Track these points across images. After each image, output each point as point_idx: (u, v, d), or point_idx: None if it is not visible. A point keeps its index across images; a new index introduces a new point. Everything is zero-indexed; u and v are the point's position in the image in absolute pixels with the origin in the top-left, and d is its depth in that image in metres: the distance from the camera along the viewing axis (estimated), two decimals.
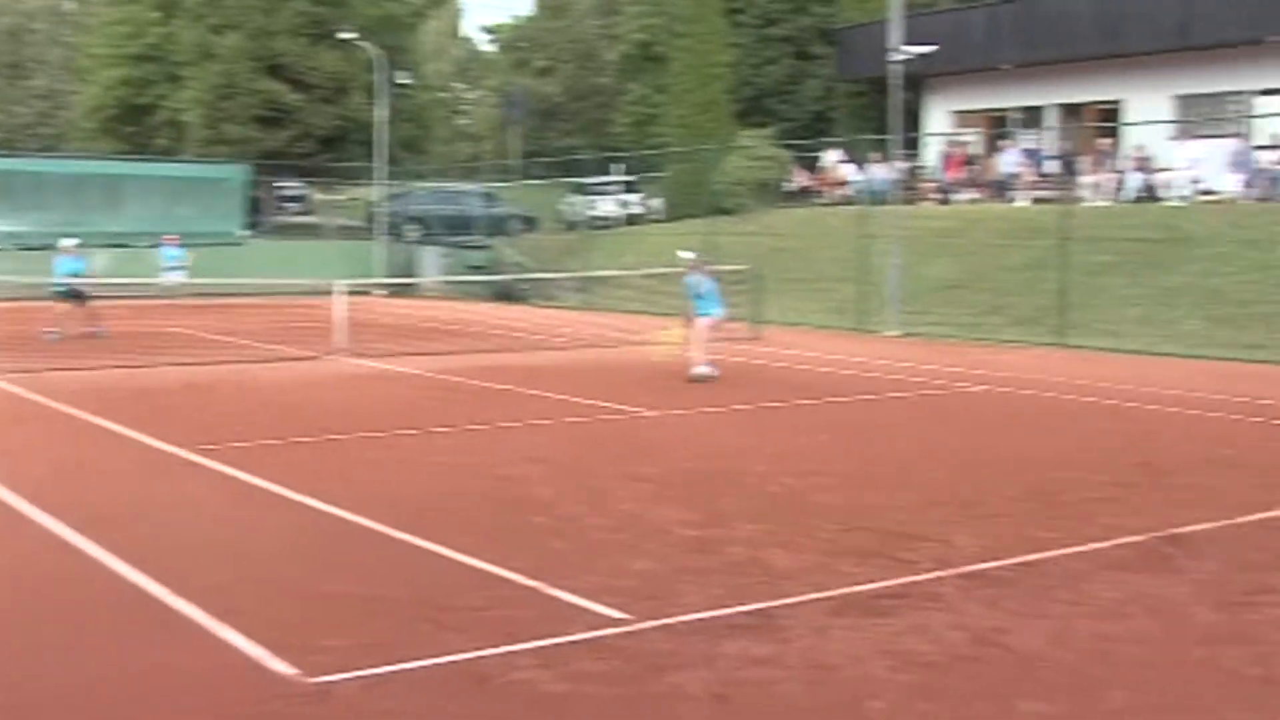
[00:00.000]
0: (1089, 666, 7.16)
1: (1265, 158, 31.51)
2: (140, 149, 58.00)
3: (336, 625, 7.73)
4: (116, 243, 42.90)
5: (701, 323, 20.76)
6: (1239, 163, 31.51)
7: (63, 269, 27.27)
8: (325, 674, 6.84)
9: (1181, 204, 32.13)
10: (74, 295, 27.17)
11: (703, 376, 20.21)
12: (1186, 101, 37.20)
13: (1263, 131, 33.25)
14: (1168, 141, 34.51)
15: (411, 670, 6.95)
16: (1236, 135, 33.13)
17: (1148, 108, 36.00)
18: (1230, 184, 31.48)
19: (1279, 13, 33.87)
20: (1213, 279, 27.00)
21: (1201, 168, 32.51)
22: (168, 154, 55.64)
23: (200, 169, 49.86)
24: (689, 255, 21.75)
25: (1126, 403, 17.97)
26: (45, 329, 26.66)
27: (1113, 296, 27.84)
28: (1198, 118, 36.89)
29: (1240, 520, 10.64)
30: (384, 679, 6.84)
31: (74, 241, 28.00)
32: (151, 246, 41.02)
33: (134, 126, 59.50)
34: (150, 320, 31.93)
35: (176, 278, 37.28)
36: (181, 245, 38.79)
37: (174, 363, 22.36)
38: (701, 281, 20.99)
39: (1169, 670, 7.14)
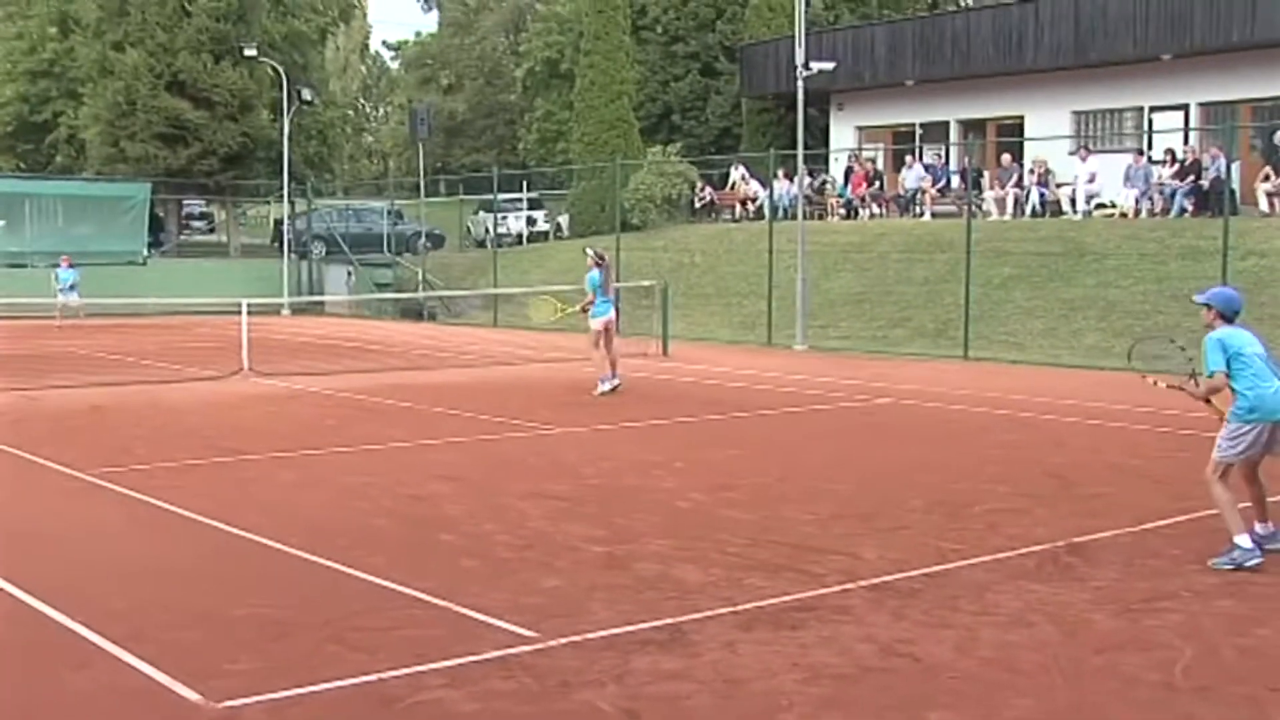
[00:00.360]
0: (993, 674, 7.23)
1: (1160, 172, 31.98)
2: (39, 167, 57.35)
3: (243, 649, 7.66)
4: (15, 262, 42.54)
5: (594, 324, 20.79)
6: (1135, 177, 31.95)
7: None
8: (231, 698, 6.78)
9: (1080, 217, 32.53)
10: None
11: (607, 392, 20.29)
12: (1085, 117, 37.68)
13: (1158, 147, 33.75)
14: (1067, 156, 34.91)
15: (319, 692, 6.91)
16: (1133, 150, 33.57)
17: (1047, 123, 36.41)
18: (1126, 198, 31.91)
19: (1174, 31, 34.39)
20: (1111, 290, 27.34)
21: (1099, 182, 32.94)
22: (67, 172, 55.03)
23: (101, 187, 49.32)
24: (591, 252, 21.72)
25: (1031, 414, 18.15)
26: None
27: (1015, 309, 28.14)
28: (1095, 133, 37.37)
29: (1142, 528, 10.77)
30: (291, 702, 6.79)
31: None
32: (50, 266, 40.65)
33: (31, 144, 58.83)
34: (50, 341, 31.53)
35: (73, 298, 36.89)
36: (73, 265, 38.43)
37: (75, 385, 22.09)
38: (598, 277, 20.88)
39: (1070, 677, 7.21)
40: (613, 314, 21.17)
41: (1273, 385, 9.62)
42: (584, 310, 21.26)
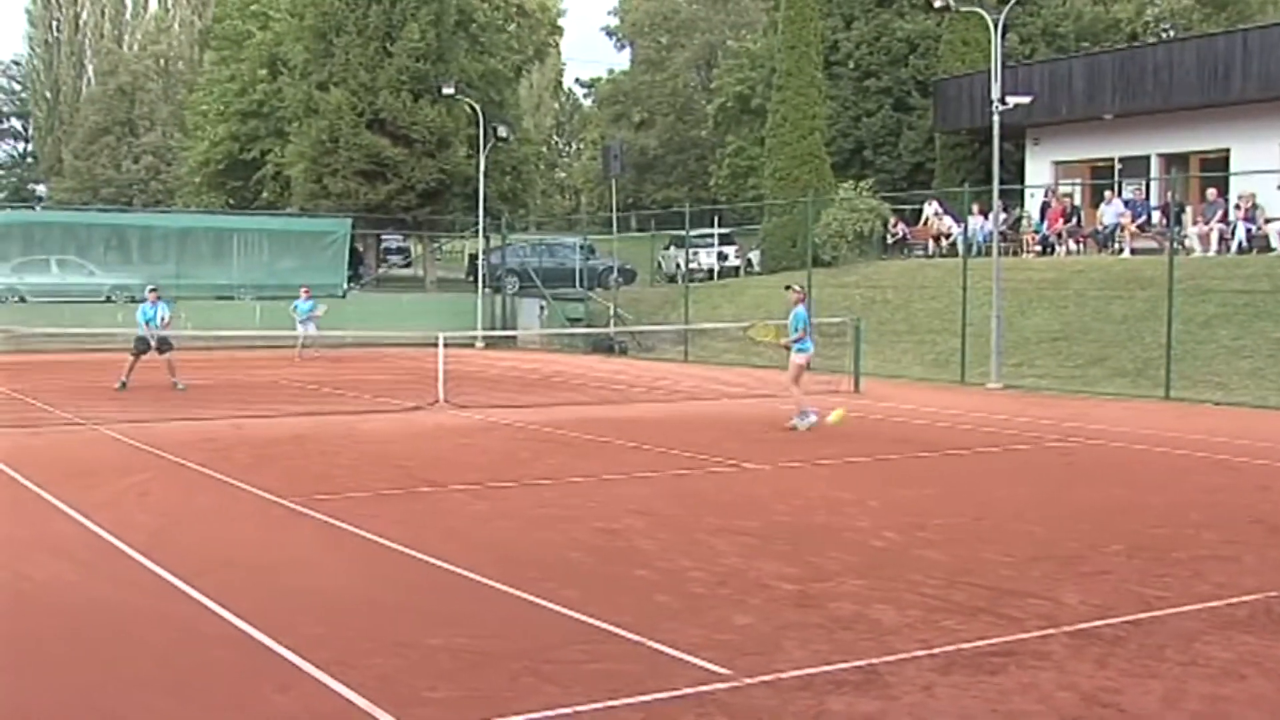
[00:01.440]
0: None
1: None
2: (246, 203, 58.88)
3: (440, 677, 7.74)
4: (223, 294, 43.73)
5: (797, 359, 20.96)
6: None
7: (143, 317, 27.21)
8: None
9: None
10: (154, 345, 27.01)
11: (798, 427, 20.29)
12: None
13: None
14: (1276, 190, 34.04)
15: None
16: None
17: (1255, 156, 35.53)
18: None
19: None
20: None
21: None
22: (273, 208, 56.41)
23: (304, 222, 50.48)
24: (796, 288, 21.83)
25: (1236, 457, 17.68)
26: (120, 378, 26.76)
27: (1220, 348, 27.49)
28: None
29: None
30: None
31: (152, 288, 28.09)
32: (258, 299, 41.76)
33: (240, 181, 60.46)
34: (252, 371, 32.25)
35: (310, 329, 37.65)
36: (313, 297, 39.25)
37: (280, 414, 22.58)
38: (804, 315, 21.12)
39: None
40: (812, 350, 21.37)
41: None
42: (786, 347, 21.39)
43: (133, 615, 9.28)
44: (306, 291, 39.71)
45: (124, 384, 26.37)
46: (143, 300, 27.88)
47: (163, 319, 27.23)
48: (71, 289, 44.26)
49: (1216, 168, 37.10)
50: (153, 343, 26.90)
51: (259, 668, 8.00)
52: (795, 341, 21.07)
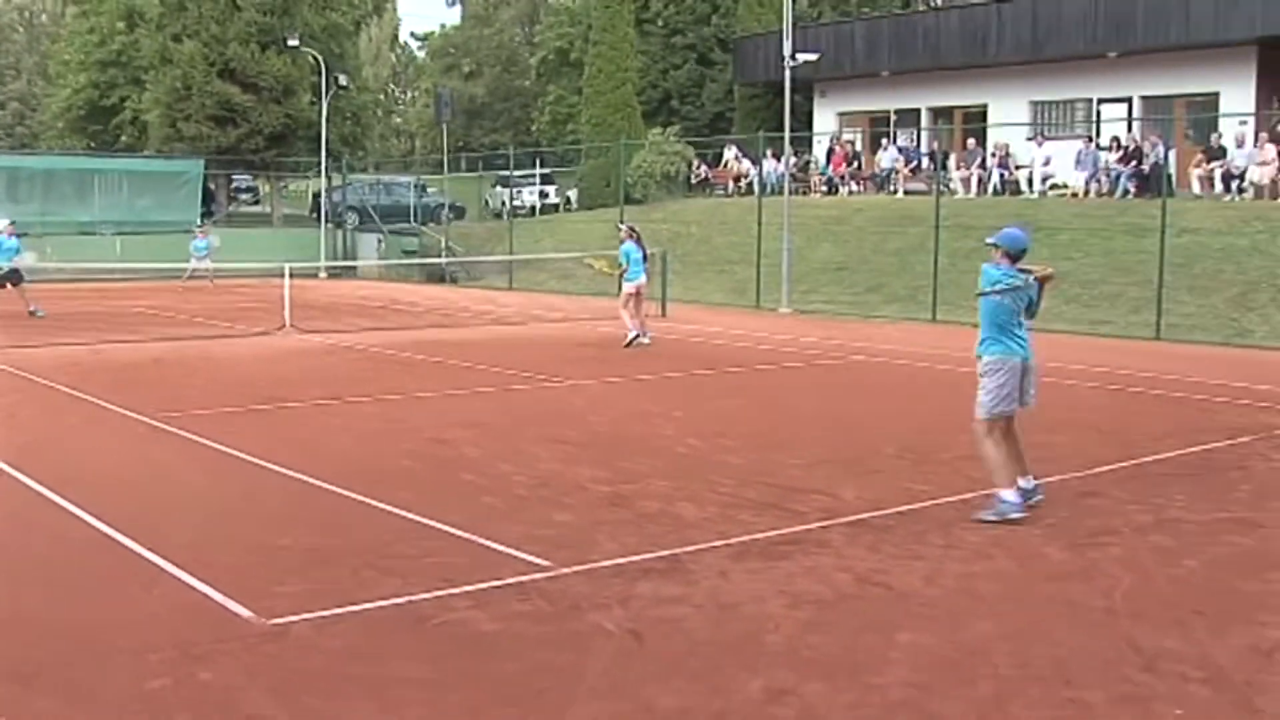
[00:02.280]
0: (957, 601, 7.29)
1: (1106, 157, 32.05)
2: (106, 146, 57.30)
3: (289, 573, 7.72)
4: (85, 230, 42.59)
5: (627, 287, 21.37)
6: (1085, 161, 31.99)
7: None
8: (280, 616, 6.85)
9: (1036, 196, 32.53)
10: (10, 276, 26.29)
11: (636, 342, 20.71)
12: (1041, 107, 37.60)
13: (1105, 134, 33.76)
14: (1025, 141, 34.86)
15: (358, 612, 6.97)
16: (1083, 137, 33.55)
17: (1008, 112, 36.37)
18: (1077, 180, 31.97)
19: (1119, 32, 34.42)
20: (1063, 263, 27.10)
21: (1053, 165, 32.98)
22: (131, 150, 54.96)
23: (160, 164, 49.23)
24: (624, 226, 22.28)
25: None
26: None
27: (978, 277, 28.04)
28: (1050, 121, 37.31)
29: (1088, 473, 10.83)
30: (334, 620, 6.85)
31: (5, 222, 27.23)
32: (118, 234, 40.83)
33: (100, 125, 58.80)
34: (114, 301, 31.52)
35: (206, 264, 36.95)
36: (208, 235, 38.66)
37: (139, 340, 22.12)
38: (633, 249, 21.55)
39: (1025, 603, 7.27)
40: (644, 279, 21.66)
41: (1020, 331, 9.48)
42: (620, 275, 22.04)
43: (4, 522, 9.10)
44: (203, 232, 39.32)
45: (33, 311, 25.77)
46: None
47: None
48: None
49: (976, 120, 37.83)
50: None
51: (124, 568, 7.90)
52: (624, 272, 21.61)
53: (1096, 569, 7.98)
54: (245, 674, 6.10)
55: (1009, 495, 9.13)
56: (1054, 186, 32.76)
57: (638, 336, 20.95)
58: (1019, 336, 9.49)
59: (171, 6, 48.81)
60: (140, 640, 6.55)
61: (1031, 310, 9.48)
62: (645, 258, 21.74)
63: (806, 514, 9.28)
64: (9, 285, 26.19)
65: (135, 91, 54.62)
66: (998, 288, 9.35)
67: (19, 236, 26.89)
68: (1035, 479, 9.45)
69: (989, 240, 9.59)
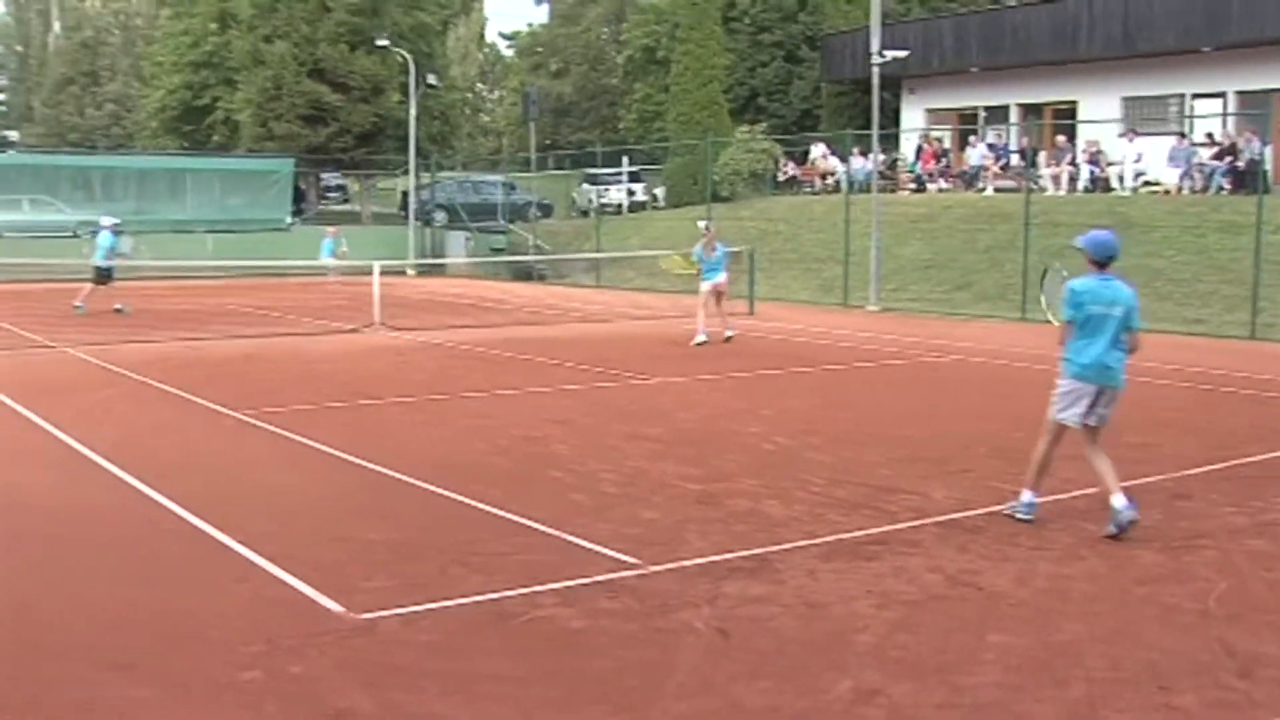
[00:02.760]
0: (1048, 602, 7.19)
1: (1200, 154, 31.57)
2: (199, 145, 58.08)
3: (378, 568, 7.76)
4: (178, 229, 43.23)
5: (704, 287, 21.43)
6: (1178, 157, 31.53)
7: (103, 245, 26.83)
8: (369, 611, 6.89)
9: (1128, 193, 32.10)
10: (105, 274, 26.74)
11: (703, 342, 20.75)
12: (1133, 102, 37.08)
13: (1198, 130, 33.25)
14: (1116, 138, 34.40)
15: (446, 608, 6.99)
16: (1176, 134, 33.07)
17: (1099, 107, 35.90)
18: (1170, 176, 31.51)
19: (1213, 25, 33.88)
20: (1155, 260, 26.92)
21: (1145, 162, 32.52)
22: (223, 149, 55.68)
23: (252, 163, 49.88)
24: (703, 224, 22.28)
25: None
26: (75, 302, 26.53)
27: (1070, 275, 27.74)
28: (1142, 117, 36.80)
29: (1181, 475, 10.66)
30: (421, 615, 6.87)
31: (111, 220, 27.75)
32: (210, 232, 41.45)
33: (193, 125, 59.58)
34: (206, 298, 31.91)
35: (333, 262, 37.42)
36: (336, 237, 39.12)
37: (231, 335, 22.38)
38: (698, 250, 21.69)
39: (1116, 605, 7.17)
40: (722, 277, 21.62)
41: (1101, 348, 8.77)
42: (696, 274, 21.98)
43: (101, 515, 9.24)
44: (335, 231, 39.88)
45: (118, 309, 26.24)
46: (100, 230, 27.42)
47: (115, 249, 26.93)
48: (42, 225, 43.59)
49: (1066, 117, 37.40)
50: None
51: (216, 561, 7.99)
52: (701, 272, 21.61)
53: (1190, 572, 7.85)
54: (334, 668, 6.14)
55: (1025, 495, 9.04)
56: (1146, 183, 32.29)
57: (704, 341, 20.91)
58: (1102, 358, 8.85)
59: (263, 8, 49.46)
60: (232, 632, 6.62)
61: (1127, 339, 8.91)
62: (724, 257, 21.74)
63: (895, 513, 9.21)
64: (103, 284, 26.64)
65: (227, 92, 55.34)
66: (1067, 318, 8.93)
67: (118, 234, 27.31)
68: (1127, 494, 8.65)
69: (1073, 243, 9.14)
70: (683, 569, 7.75)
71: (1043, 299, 10.53)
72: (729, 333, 21.25)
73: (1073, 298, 8.85)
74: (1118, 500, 8.56)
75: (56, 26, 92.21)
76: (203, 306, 28.86)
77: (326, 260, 37.34)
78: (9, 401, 14.44)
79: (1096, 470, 8.91)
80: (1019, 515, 8.95)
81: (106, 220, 27.48)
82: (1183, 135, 32.51)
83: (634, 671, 6.12)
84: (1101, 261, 8.85)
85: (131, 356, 18.86)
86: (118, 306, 26.42)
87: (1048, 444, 9.10)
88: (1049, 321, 9.84)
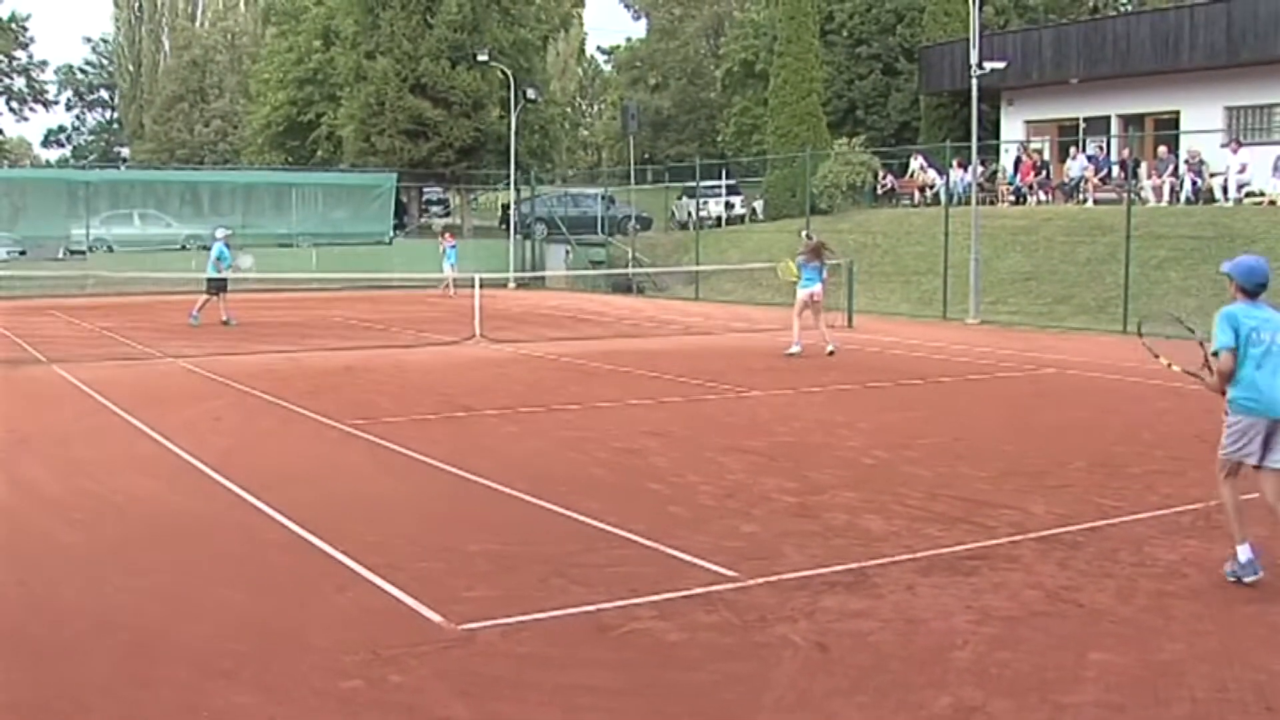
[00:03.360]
0: (1150, 620, 7.07)
1: None
2: (303, 160, 58.91)
3: (478, 579, 7.80)
4: (283, 242, 43.85)
5: (801, 294, 21.43)
6: None
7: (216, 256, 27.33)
8: (469, 621, 6.92)
9: (1231, 205, 31.55)
10: (219, 285, 27.23)
11: (796, 353, 20.83)
12: (1236, 112, 36.47)
13: None
14: (1219, 148, 33.85)
15: (545, 620, 7.01)
16: None
17: (1201, 117, 35.32)
18: (1275, 187, 30.92)
19: None
20: None
21: (1249, 172, 31.95)
22: (326, 164, 56.43)
23: (355, 177, 50.50)
24: (804, 233, 22.39)
25: (1183, 384, 17.62)
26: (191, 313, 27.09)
27: (1171, 288, 27.37)
28: (1246, 127, 36.18)
29: None
30: (521, 626, 6.89)
31: (224, 231, 28.27)
32: (315, 246, 42.03)
33: (297, 141, 60.52)
34: (310, 310, 32.30)
35: (453, 271, 37.95)
36: (455, 244, 39.74)
37: (333, 347, 22.63)
38: (802, 259, 21.63)
39: (1221, 624, 7.02)
40: (818, 287, 21.52)
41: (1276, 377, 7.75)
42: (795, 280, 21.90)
43: (208, 524, 9.37)
44: (451, 237, 40.79)
45: (225, 321, 26.74)
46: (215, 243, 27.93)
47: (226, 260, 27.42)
48: (152, 239, 44.52)
49: (1168, 127, 36.87)
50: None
51: (320, 570, 8.08)
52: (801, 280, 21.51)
53: None
54: (434, 677, 6.18)
55: (1240, 553, 7.72)
56: (1249, 194, 31.72)
57: (797, 350, 20.92)
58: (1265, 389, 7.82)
59: (366, 25, 50.08)
60: (334, 641, 6.68)
61: None
62: (822, 266, 21.63)
63: (995, 528, 9.11)
64: (216, 295, 27.12)
65: (331, 108, 56.12)
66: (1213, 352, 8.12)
67: (230, 246, 27.83)
68: (1253, 548, 7.77)
69: (1222, 269, 8.33)
70: (780, 582, 7.71)
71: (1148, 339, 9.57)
72: (830, 347, 21.09)
73: (1233, 323, 7.95)
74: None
75: (167, 46, 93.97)
76: (307, 319, 29.21)
77: (450, 272, 37.81)
78: (120, 411, 14.71)
79: None
80: (1245, 579, 7.64)
81: (220, 232, 27.94)
82: None
83: (731, 685, 6.10)
84: (1252, 291, 8.04)
85: (237, 368, 19.14)
86: (225, 319, 26.83)
87: (1228, 487, 7.95)
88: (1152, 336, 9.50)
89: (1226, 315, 7.95)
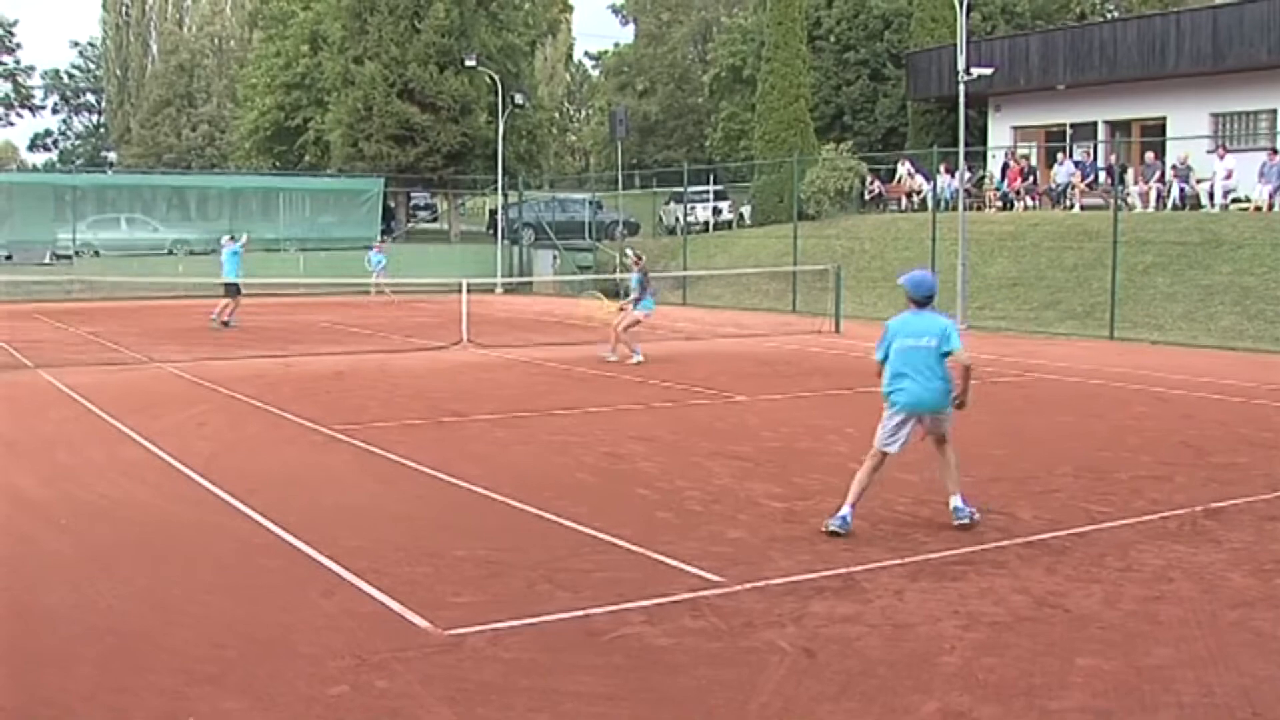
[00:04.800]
0: (1137, 625, 7.08)
1: None
2: (290, 165, 58.86)
3: (465, 584, 7.79)
4: (270, 247, 43.88)
5: (638, 313, 21.53)
6: (1269, 174, 31.02)
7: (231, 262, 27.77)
8: (456, 627, 6.92)
9: (1217, 210, 31.65)
10: (234, 288, 27.62)
11: (605, 358, 21.11)
12: (1222, 118, 36.59)
13: None
14: (1206, 154, 33.95)
15: (532, 624, 7.00)
16: (1267, 149, 32.55)
17: (1188, 123, 35.45)
18: (1261, 193, 31.01)
19: None
20: (1246, 278, 26.56)
21: (1235, 178, 32.04)
22: (314, 169, 56.38)
23: (342, 182, 50.51)
24: (630, 253, 22.44)
25: (1170, 390, 17.70)
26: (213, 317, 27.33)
27: (1157, 294, 27.45)
28: (1232, 133, 36.29)
29: (1273, 496, 10.46)
30: (508, 632, 6.89)
31: (240, 237, 28.72)
32: (302, 250, 42.00)
33: (285, 146, 60.43)
34: (297, 315, 32.26)
35: (383, 277, 38.05)
36: (381, 251, 39.85)
37: (321, 352, 22.60)
38: (636, 278, 21.62)
39: (1207, 629, 7.03)
40: (651, 310, 21.71)
41: (919, 376, 9.46)
42: (622, 309, 21.96)
43: (194, 528, 9.35)
44: (379, 246, 40.74)
45: (225, 323, 27.04)
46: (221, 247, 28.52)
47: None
48: (139, 243, 44.52)
49: (1154, 133, 36.97)
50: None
51: (305, 575, 8.06)
52: (635, 300, 21.46)
53: None
54: (421, 683, 6.17)
55: (846, 509, 9.09)
56: (1236, 200, 31.82)
57: (608, 358, 21.16)
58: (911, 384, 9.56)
59: (353, 30, 50.07)
60: (320, 646, 6.67)
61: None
62: (645, 286, 21.53)
63: (982, 533, 9.12)
64: (232, 297, 27.54)
65: (318, 112, 56.09)
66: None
67: (236, 253, 28.19)
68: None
69: (898, 281, 9.72)
70: (768, 587, 7.72)
71: None
72: (614, 357, 21.20)
73: (886, 334, 9.57)
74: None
75: (154, 50, 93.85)
76: (294, 323, 29.18)
77: (381, 278, 37.99)
78: (106, 416, 14.68)
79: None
80: (834, 529, 8.96)
81: (226, 240, 28.37)
82: (1274, 151, 31.98)
83: (719, 690, 6.10)
84: (919, 301, 9.47)
85: (224, 372, 19.11)
86: (227, 320, 27.15)
87: (866, 466, 9.53)
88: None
89: (886, 328, 9.68)
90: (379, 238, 47.14)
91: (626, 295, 22.22)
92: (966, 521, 9.18)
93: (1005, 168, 39.36)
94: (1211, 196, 32.35)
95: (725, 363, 21.44)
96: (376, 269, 38.87)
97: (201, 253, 43.98)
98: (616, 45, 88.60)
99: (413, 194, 59.02)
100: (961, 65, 29.14)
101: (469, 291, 25.01)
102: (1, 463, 11.96)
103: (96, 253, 43.49)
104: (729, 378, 18.96)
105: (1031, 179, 38.44)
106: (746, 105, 55.72)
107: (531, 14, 63.30)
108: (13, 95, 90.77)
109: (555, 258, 46.99)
